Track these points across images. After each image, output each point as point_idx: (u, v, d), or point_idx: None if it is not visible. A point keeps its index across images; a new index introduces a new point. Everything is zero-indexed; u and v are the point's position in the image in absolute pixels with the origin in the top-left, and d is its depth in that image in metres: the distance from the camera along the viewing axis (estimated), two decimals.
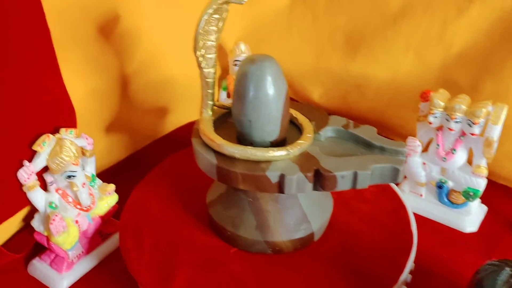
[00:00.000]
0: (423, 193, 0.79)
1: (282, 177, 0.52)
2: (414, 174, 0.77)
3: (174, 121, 0.93)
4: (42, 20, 0.59)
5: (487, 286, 0.45)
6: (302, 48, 0.92)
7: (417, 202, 0.79)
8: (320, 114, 0.61)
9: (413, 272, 0.64)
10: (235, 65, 0.90)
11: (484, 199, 0.79)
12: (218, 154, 0.55)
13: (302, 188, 0.52)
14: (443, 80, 0.79)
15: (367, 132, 0.58)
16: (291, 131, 0.59)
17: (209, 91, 0.58)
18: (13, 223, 0.67)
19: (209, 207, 0.64)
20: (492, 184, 0.83)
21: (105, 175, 0.74)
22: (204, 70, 0.56)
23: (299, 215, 0.60)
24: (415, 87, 0.82)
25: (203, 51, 0.56)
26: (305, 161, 0.53)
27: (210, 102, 0.59)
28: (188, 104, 0.93)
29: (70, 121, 0.66)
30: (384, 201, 0.69)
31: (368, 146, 0.57)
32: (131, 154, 0.88)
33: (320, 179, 0.52)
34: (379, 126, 0.91)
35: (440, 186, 0.76)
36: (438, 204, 0.77)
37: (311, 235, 0.61)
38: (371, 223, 0.65)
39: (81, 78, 0.73)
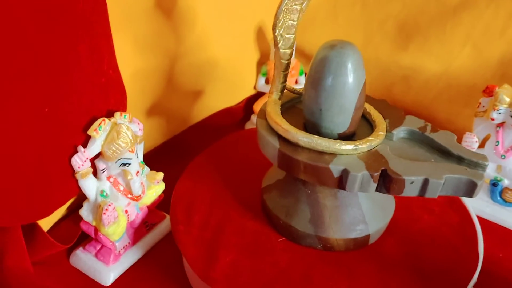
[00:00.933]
0: None
1: (345, 173, 0.48)
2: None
3: (211, 106, 0.89)
4: None
5: None
6: (349, 34, 0.88)
7: (468, 200, 0.77)
8: (396, 113, 0.57)
9: None
10: None
11: None
12: (282, 139, 0.52)
13: (365, 188, 0.49)
14: (500, 76, 0.76)
15: (445, 138, 0.53)
16: (362, 126, 0.56)
17: (283, 72, 0.55)
18: (57, 211, 0.63)
19: (264, 193, 0.62)
20: None
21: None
22: (281, 50, 0.53)
23: (357, 215, 0.57)
24: (468, 81, 0.80)
25: (282, 30, 0.52)
26: (373, 159, 0.50)
27: (282, 85, 0.56)
28: (226, 90, 0.89)
29: (121, 104, 0.62)
30: (451, 214, 0.65)
31: (444, 153, 0.52)
32: (168, 139, 0.84)
33: (386, 181, 0.49)
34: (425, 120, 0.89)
35: (494, 184, 0.74)
36: (491, 202, 0.75)
37: (367, 237, 0.57)
38: (433, 235, 0.61)
39: (127, 59, 0.69)
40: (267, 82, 0.91)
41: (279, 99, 0.58)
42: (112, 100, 0.60)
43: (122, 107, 0.62)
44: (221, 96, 0.89)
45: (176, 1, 0.70)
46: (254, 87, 0.95)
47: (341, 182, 0.49)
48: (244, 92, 0.94)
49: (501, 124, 0.71)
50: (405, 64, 0.84)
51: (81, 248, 0.64)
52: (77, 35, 0.53)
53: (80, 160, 0.56)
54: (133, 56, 0.69)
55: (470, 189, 0.48)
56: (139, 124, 0.62)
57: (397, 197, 0.63)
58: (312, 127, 0.54)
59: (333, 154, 0.50)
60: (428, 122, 0.55)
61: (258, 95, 0.94)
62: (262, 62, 0.92)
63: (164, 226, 0.69)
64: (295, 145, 0.51)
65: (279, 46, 0.53)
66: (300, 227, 0.57)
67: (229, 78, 0.87)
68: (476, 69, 0.78)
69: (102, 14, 0.56)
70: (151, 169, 0.66)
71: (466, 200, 0.67)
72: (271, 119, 0.53)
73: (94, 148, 0.56)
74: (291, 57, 0.55)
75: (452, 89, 0.82)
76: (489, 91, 0.70)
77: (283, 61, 0.54)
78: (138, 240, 0.66)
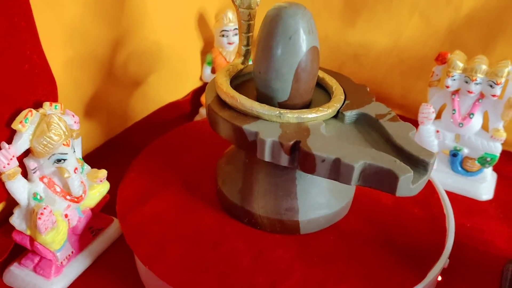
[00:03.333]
0: (435, 163, 0.75)
1: (257, 137, 0.46)
2: (426, 144, 0.73)
3: (156, 100, 0.83)
4: None
5: None
6: None
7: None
8: (363, 97, 0.52)
9: None
10: (223, 35, 0.81)
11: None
12: (221, 101, 0.50)
13: (277, 158, 0.46)
14: (449, 44, 0.75)
15: (400, 130, 0.47)
16: (320, 103, 0.52)
17: (245, 34, 0.53)
18: None
19: (218, 161, 0.60)
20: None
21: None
22: (240, 9, 0.51)
23: (288, 198, 0.53)
24: (419, 53, 0.78)
25: None
26: (295, 131, 0.46)
27: (245, 48, 0.54)
28: (170, 81, 0.83)
29: (51, 94, 0.55)
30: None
31: (391, 145, 0.47)
32: (110, 139, 0.77)
33: (299, 156, 0.45)
34: (377, 98, 0.87)
35: (454, 154, 0.73)
36: (452, 173, 0.74)
37: (295, 223, 0.53)
38: (399, 213, 0.58)
39: (54, 47, 0.61)
40: (213, 71, 0.86)
41: (243, 63, 0.55)
42: (39, 90, 0.53)
43: (52, 98, 0.55)
44: (166, 89, 0.83)
45: None
46: (200, 78, 0.89)
47: (254, 146, 0.47)
48: (190, 84, 0.88)
49: (456, 92, 0.69)
50: (355, 41, 0.82)
51: (15, 264, 0.56)
52: None
53: (5, 159, 0.48)
54: (61, 44, 0.62)
55: (392, 183, 0.42)
56: (73, 116, 0.55)
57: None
58: (259, 96, 0.51)
59: (256, 118, 0.48)
60: (377, 100, 0.52)
61: (205, 86, 0.89)
62: (206, 51, 0.87)
63: (112, 231, 0.62)
64: (224, 105, 0.50)
65: (236, 4, 0.51)
66: (230, 195, 0.55)
67: (173, 69, 0.81)
68: (426, 39, 0.77)
69: None
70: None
71: (432, 176, 0.65)
72: (215, 79, 0.52)
73: (21, 143, 0.49)
74: (252, 19, 0.52)
75: (404, 63, 0.81)
76: (441, 58, 0.68)
77: (243, 21, 0.52)
78: (83, 248, 0.58)
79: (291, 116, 0.47)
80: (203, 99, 0.85)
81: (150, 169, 0.62)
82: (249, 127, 0.46)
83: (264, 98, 0.50)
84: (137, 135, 0.79)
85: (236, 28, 0.82)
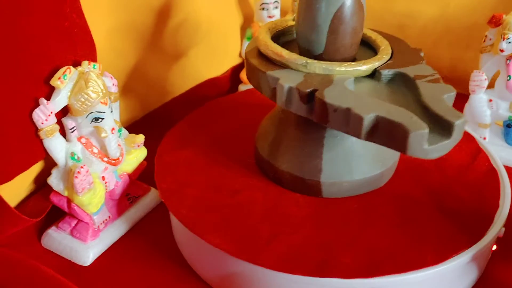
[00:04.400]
0: (487, 136, 0.70)
1: (276, 82, 0.45)
2: (477, 114, 0.68)
3: (195, 76, 0.81)
4: None
5: None
6: None
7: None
8: (411, 58, 0.49)
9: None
10: (263, 9, 0.80)
11: None
12: (258, 52, 0.50)
13: (295, 107, 0.45)
14: (503, 8, 0.70)
15: (435, 90, 0.44)
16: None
17: None
18: (23, 184, 0.54)
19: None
20: None
21: None
22: None
23: (313, 157, 0.50)
24: (468, 21, 0.74)
25: None
26: (318, 82, 0.44)
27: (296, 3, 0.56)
28: (210, 56, 0.82)
29: (90, 55, 0.54)
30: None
31: (422, 106, 0.43)
32: (148, 113, 0.76)
33: (313, 105, 0.44)
34: None
35: (509, 124, 0.68)
36: (506, 146, 0.69)
37: (317, 184, 0.50)
38: (454, 180, 0.55)
39: (99, 15, 0.61)
40: None
41: (294, 20, 0.54)
42: (78, 49, 0.52)
43: (91, 58, 0.54)
44: (205, 64, 0.82)
45: None
46: (240, 55, 0.88)
47: (275, 94, 0.46)
48: (229, 60, 0.87)
49: (511, 57, 0.65)
50: (400, 10, 0.78)
51: (53, 227, 0.56)
52: None
53: (43, 115, 0.48)
54: (105, 13, 0.62)
55: (403, 139, 0.38)
56: (112, 78, 0.54)
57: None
58: (300, 50, 0.50)
59: (284, 67, 0.47)
60: (438, 73, 0.47)
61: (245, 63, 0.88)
62: (245, 26, 0.85)
63: (149, 199, 0.61)
64: (261, 54, 0.49)
65: None
66: (260, 149, 0.54)
67: (212, 44, 0.80)
68: (475, 6, 0.73)
69: None
70: None
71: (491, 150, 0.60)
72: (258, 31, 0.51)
73: (59, 100, 0.48)
74: None
75: (452, 33, 0.76)
76: (495, 20, 0.64)
77: None
78: (120, 214, 0.58)
79: (318, 66, 0.45)
80: (242, 75, 0.84)
81: (187, 135, 0.61)
82: (273, 73, 0.46)
83: (302, 51, 0.49)
84: (175, 110, 0.78)
85: (276, 1, 0.80)
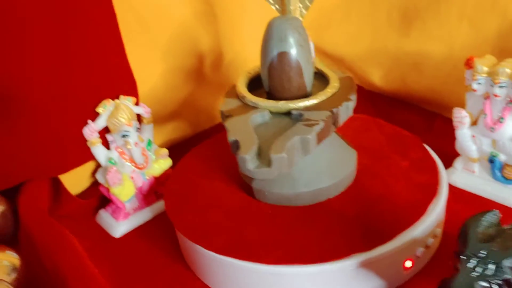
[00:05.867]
0: (476, 170, 0.74)
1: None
2: (464, 149, 0.73)
3: None
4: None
5: (469, 226, 0.43)
6: (360, 31, 0.93)
7: (470, 179, 0.74)
8: (336, 101, 0.60)
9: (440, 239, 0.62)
10: None
11: None
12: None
13: None
14: (499, 50, 0.74)
15: (292, 131, 0.56)
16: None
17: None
18: (85, 178, 0.80)
19: None
20: None
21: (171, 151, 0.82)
22: None
23: None
24: None
25: None
26: (238, 111, 0.61)
27: None
28: None
29: (131, 91, 0.78)
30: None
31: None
32: (198, 132, 0.98)
33: None
34: (438, 106, 0.88)
35: (491, 160, 0.71)
36: (491, 180, 0.72)
37: (251, 190, 0.64)
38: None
39: (156, 59, 0.85)
40: None
41: None
42: (121, 88, 0.76)
43: (132, 94, 0.77)
44: None
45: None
46: None
47: None
48: None
49: (487, 96, 0.69)
50: (412, 50, 0.85)
51: (103, 209, 0.80)
52: (88, 36, 0.71)
53: (89, 131, 0.72)
54: (160, 57, 0.86)
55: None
56: (144, 107, 0.77)
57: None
58: None
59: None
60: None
61: None
62: None
63: None
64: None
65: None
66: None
67: None
68: (478, 46, 0.77)
69: (109, 17, 0.73)
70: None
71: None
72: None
73: (100, 122, 0.73)
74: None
75: (460, 70, 0.81)
76: (469, 63, 0.69)
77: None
78: (147, 205, 0.79)
79: (249, 99, 0.61)
80: None
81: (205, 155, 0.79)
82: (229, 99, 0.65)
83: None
84: (221, 130, 0.98)
85: None
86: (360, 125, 0.79)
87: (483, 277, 0.40)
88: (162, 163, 0.79)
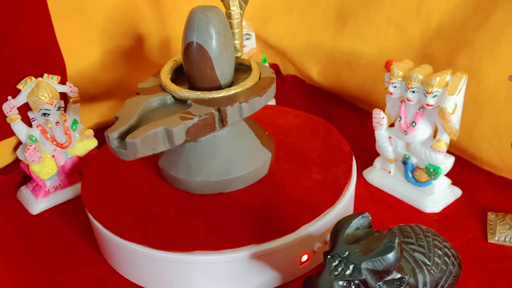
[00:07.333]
0: (392, 170, 0.76)
1: None
2: (381, 149, 0.75)
3: None
4: None
5: (339, 228, 0.45)
6: (301, 26, 0.94)
7: (385, 179, 0.77)
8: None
9: None
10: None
11: (463, 183, 0.74)
12: None
13: None
14: (423, 55, 0.76)
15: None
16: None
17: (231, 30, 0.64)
18: (8, 153, 0.80)
19: None
20: (476, 170, 0.78)
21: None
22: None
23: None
24: None
25: None
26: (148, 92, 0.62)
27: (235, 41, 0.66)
28: None
29: (58, 70, 0.77)
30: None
31: None
32: None
33: None
34: (369, 104, 0.90)
35: (404, 162, 0.73)
36: (404, 182, 0.74)
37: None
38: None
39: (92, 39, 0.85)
40: None
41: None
42: (47, 65, 0.75)
43: (61, 73, 0.77)
44: None
45: None
46: None
47: None
48: None
49: (403, 100, 0.70)
50: (345, 49, 0.86)
51: (24, 186, 0.80)
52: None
53: (8, 107, 0.72)
54: (97, 37, 0.86)
55: None
56: (71, 87, 0.77)
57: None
58: None
59: None
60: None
61: None
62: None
63: None
64: None
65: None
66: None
67: None
68: (404, 50, 0.78)
69: None
70: None
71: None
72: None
73: (20, 98, 0.72)
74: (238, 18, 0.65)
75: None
76: (388, 66, 0.70)
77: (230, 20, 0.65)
78: (70, 185, 0.79)
79: (161, 81, 0.63)
80: None
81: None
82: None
83: None
84: None
85: (247, 33, 0.95)
86: (278, 114, 0.81)
87: (341, 276, 0.42)
88: (87, 143, 0.79)
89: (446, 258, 0.50)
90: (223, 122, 0.58)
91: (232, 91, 0.59)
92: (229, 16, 0.64)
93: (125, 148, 0.52)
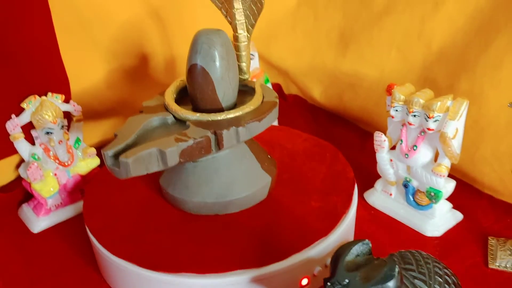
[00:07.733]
0: (393, 192, 0.76)
1: None
2: (382, 171, 0.75)
3: None
4: None
5: (339, 254, 0.45)
6: (304, 46, 0.94)
7: (386, 201, 0.77)
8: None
9: None
10: None
11: (464, 207, 0.74)
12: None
13: None
14: (424, 79, 0.76)
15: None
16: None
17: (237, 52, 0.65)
18: (11, 171, 0.80)
19: None
20: (478, 194, 0.78)
21: None
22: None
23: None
24: None
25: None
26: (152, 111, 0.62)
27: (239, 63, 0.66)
28: None
29: (62, 88, 0.78)
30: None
31: None
32: None
33: None
34: (371, 126, 0.90)
35: (405, 185, 0.73)
36: (405, 204, 0.74)
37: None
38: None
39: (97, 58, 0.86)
40: None
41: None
42: (51, 84, 0.76)
43: (65, 92, 0.77)
44: None
45: None
46: None
47: None
48: None
49: (404, 123, 0.71)
50: (348, 71, 0.87)
51: (25, 203, 0.80)
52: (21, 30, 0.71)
53: (12, 125, 0.72)
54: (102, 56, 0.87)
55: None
56: (74, 106, 0.77)
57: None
58: None
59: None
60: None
61: None
62: None
63: None
64: None
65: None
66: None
67: None
68: (404, 73, 0.79)
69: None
70: None
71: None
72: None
73: (24, 117, 0.73)
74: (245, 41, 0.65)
75: None
76: (389, 90, 0.71)
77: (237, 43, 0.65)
78: (72, 203, 0.79)
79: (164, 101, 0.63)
80: None
81: None
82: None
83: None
84: None
85: (251, 53, 0.95)
86: (287, 137, 0.81)
87: None
88: (89, 162, 0.79)
89: (446, 286, 0.49)
90: (219, 145, 0.58)
91: (231, 114, 0.60)
92: (236, 39, 0.65)
93: (119, 166, 0.53)
